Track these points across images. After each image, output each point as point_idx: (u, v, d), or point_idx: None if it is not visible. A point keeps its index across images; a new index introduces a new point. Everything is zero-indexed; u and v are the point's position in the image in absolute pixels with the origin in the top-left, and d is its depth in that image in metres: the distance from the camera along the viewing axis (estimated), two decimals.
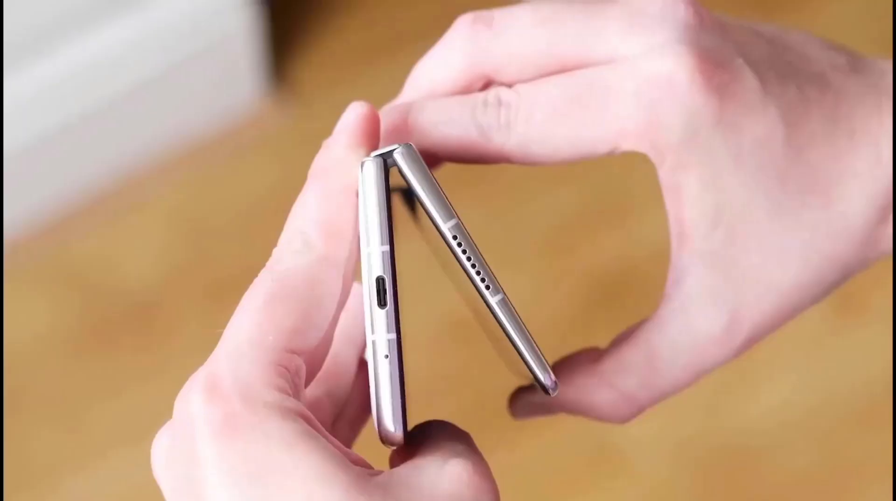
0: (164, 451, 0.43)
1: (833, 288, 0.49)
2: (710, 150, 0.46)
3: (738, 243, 0.48)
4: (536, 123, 0.47)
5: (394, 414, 0.44)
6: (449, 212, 0.45)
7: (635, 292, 1.28)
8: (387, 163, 0.45)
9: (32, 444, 1.22)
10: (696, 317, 0.49)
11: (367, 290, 0.44)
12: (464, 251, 0.45)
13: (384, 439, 0.44)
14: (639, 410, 0.51)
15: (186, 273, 1.29)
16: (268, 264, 0.45)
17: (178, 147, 1.35)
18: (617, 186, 1.30)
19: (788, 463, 1.21)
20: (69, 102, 1.26)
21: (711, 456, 1.22)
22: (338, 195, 0.46)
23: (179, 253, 1.30)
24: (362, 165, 0.45)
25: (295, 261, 0.45)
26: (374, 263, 0.44)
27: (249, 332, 0.42)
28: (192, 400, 0.42)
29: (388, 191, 0.44)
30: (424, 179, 0.45)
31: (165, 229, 1.31)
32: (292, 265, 0.44)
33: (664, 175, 0.48)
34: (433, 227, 0.46)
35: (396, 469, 0.42)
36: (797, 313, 0.49)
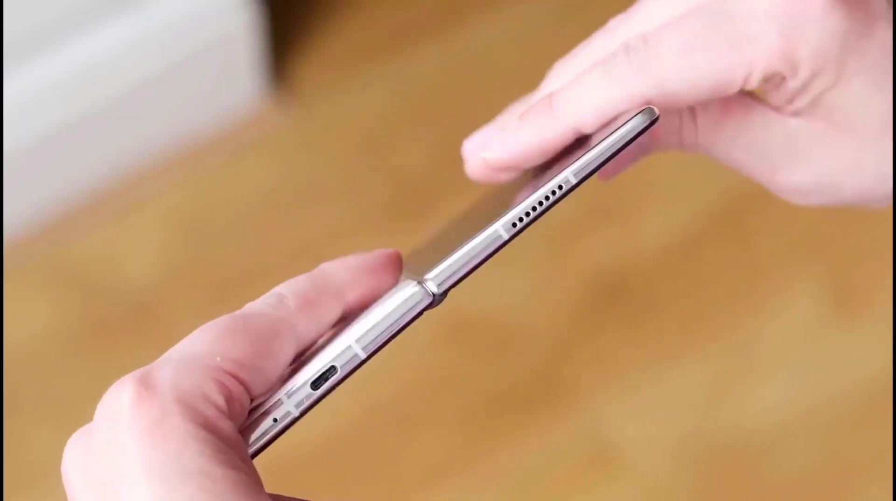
0: (79, 451, 0.43)
1: None
2: (863, 58, 0.49)
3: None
4: (669, 59, 0.48)
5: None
6: (492, 233, 0.44)
7: (635, 292, 1.28)
8: (433, 304, 0.45)
9: (32, 444, 1.22)
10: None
11: (314, 365, 0.43)
12: (528, 215, 0.45)
13: (424, 299, 0.44)
14: None
15: (186, 273, 1.29)
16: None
17: (178, 147, 1.35)
18: (617, 186, 1.30)
19: (788, 463, 1.21)
20: (69, 102, 1.26)
21: (711, 456, 1.22)
22: (328, 290, 0.45)
23: (179, 253, 1.30)
24: (411, 292, 0.45)
25: (263, 310, 0.44)
26: (344, 354, 0.44)
27: (199, 349, 0.42)
28: (123, 397, 0.41)
29: (410, 323, 0.45)
30: (459, 261, 0.44)
31: (165, 229, 1.31)
32: (259, 312, 0.44)
33: (813, 92, 0.49)
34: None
35: None
36: None
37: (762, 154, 0.51)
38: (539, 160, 0.50)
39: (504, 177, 0.52)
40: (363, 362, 0.44)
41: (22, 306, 1.27)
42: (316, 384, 0.43)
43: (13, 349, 1.25)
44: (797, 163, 0.51)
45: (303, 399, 0.43)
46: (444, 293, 0.44)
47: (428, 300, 0.44)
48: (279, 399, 0.43)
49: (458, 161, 0.52)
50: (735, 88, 0.49)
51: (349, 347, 0.44)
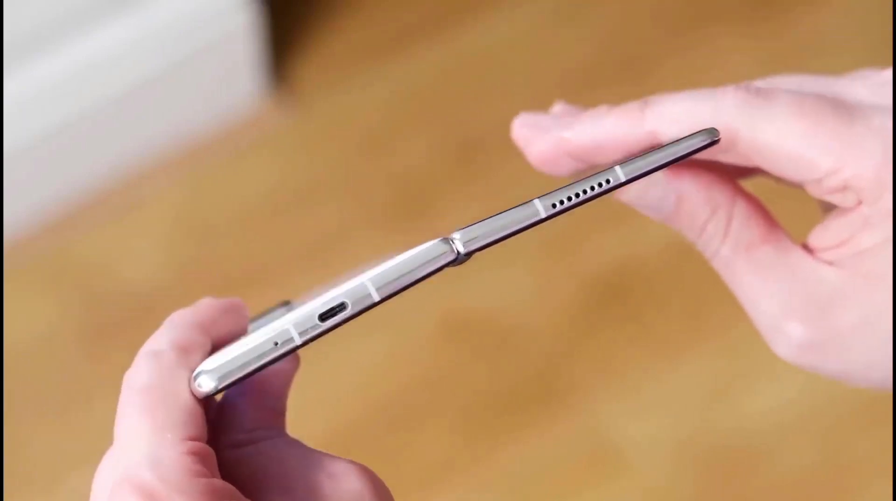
0: None
1: None
2: None
3: None
4: (776, 109, 0.47)
5: (222, 375, 0.43)
6: (528, 205, 0.45)
7: (636, 292, 1.28)
8: (457, 261, 0.44)
9: (32, 444, 1.22)
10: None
11: (326, 297, 0.43)
12: (570, 199, 0.45)
13: (191, 384, 0.43)
14: None
15: (186, 272, 1.29)
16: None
17: (179, 147, 1.35)
18: None
19: (788, 463, 1.21)
20: (69, 102, 1.26)
21: (711, 456, 1.22)
22: (196, 329, 0.46)
23: (179, 252, 1.30)
24: (436, 247, 0.44)
25: (151, 378, 0.44)
26: (357, 290, 0.43)
27: (148, 436, 0.43)
28: None
29: (428, 276, 0.44)
30: (493, 222, 0.44)
31: (165, 229, 1.31)
32: (149, 383, 0.44)
33: (878, 233, 0.47)
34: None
35: None
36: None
37: (778, 296, 0.49)
38: (610, 157, 0.50)
39: (565, 167, 0.51)
40: (374, 304, 0.43)
41: (22, 306, 1.27)
42: (324, 317, 0.43)
43: (13, 348, 1.25)
44: (814, 313, 0.48)
45: (308, 329, 0.43)
46: (469, 254, 0.44)
47: (451, 257, 0.44)
48: (285, 328, 0.43)
49: (458, 161, 0.52)
50: (812, 175, 0.47)
51: (363, 285, 0.43)
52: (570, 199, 0.44)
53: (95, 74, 1.26)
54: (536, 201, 0.44)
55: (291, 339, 0.43)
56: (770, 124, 0.47)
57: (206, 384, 0.43)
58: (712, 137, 0.45)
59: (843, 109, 0.47)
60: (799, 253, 0.49)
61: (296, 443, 0.45)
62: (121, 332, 1.26)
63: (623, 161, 0.45)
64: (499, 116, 1.35)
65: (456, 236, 0.44)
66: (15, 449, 1.22)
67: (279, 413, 0.47)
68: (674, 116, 0.48)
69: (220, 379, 0.43)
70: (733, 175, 0.51)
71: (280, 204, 1.32)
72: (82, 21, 1.23)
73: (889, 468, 1.20)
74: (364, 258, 1.29)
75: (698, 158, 0.48)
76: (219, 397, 0.46)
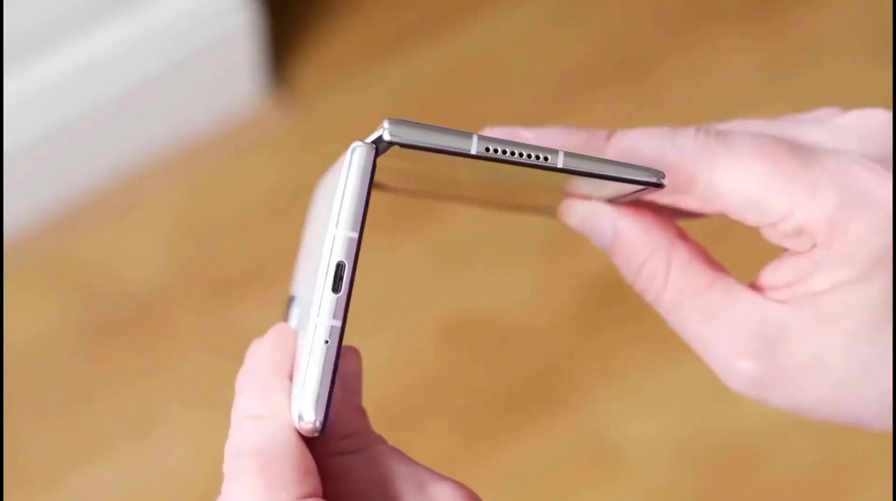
0: None
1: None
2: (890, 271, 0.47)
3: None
4: (735, 152, 0.47)
5: (318, 402, 0.43)
6: (465, 135, 0.44)
7: (636, 291, 1.28)
8: (378, 150, 0.44)
9: (32, 444, 1.22)
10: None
11: (324, 271, 0.43)
12: (503, 152, 0.44)
13: (301, 428, 0.43)
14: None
15: (186, 272, 1.29)
16: (228, 448, 0.45)
17: (179, 147, 1.35)
18: None
19: (788, 463, 1.21)
20: (69, 102, 1.26)
21: (711, 456, 1.22)
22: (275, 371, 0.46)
23: (179, 253, 1.30)
24: (352, 150, 0.44)
25: (250, 441, 0.44)
26: (337, 246, 0.44)
27: (263, 495, 0.42)
28: None
29: (372, 180, 0.44)
30: (427, 128, 0.44)
31: (165, 229, 1.31)
32: (253, 445, 0.44)
33: (831, 278, 0.47)
34: (453, 166, 0.45)
35: None
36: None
37: (727, 332, 0.49)
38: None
39: None
40: (359, 241, 0.44)
41: (22, 306, 1.27)
42: (336, 287, 0.43)
43: (13, 349, 1.25)
44: (763, 350, 0.49)
45: (337, 310, 0.43)
46: (390, 144, 0.43)
47: (371, 149, 0.43)
48: (325, 324, 0.43)
49: None
50: (768, 219, 0.47)
51: (336, 237, 0.44)
52: (503, 152, 0.44)
53: (95, 74, 1.26)
54: (475, 136, 0.44)
55: (333, 328, 0.43)
56: (728, 168, 0.47)
57: (311, 417, 0.43)
58: (657, 179, 0.45)
59: (800, 152, 0.47)
60: (746, 294, 0.49)
61: (399, 455, 0.45)
62: (121, 332, 1.26)
63: (573, 153, 0.45)
64: (499, 116, 1.35)
65: (385, 123, 0.43)
66: (15, 449, 1.22)
67: (364, 413, 0.47)
68: (634, 151, 0.48)
69: (319, 410, 0.43)
70: (680, 216, 0.51)
71: (280, 204, 1.32)
72: (82, 21, 1.23)
73: (889, 468, 1.20)
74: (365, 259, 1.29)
75: (644, 198, 0.48)
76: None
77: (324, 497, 0.44)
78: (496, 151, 0.44)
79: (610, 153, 0.48)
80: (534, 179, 0.47)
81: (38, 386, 1.25)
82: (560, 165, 0.44)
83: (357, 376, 0.48)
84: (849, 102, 1.54)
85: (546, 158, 0.44)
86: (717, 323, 0.49)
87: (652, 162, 0.47)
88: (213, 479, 1.28)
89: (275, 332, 0.46)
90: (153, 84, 1.30)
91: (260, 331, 0.47)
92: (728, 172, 0.47)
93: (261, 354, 0.46)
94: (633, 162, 0.46)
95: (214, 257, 1.30)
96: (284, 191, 1.33)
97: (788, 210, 0.47)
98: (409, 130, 0.43)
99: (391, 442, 0.47)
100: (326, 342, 0.43)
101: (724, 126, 0.50)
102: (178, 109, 1.34)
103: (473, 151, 0.44)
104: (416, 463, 0.44)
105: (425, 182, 0.52)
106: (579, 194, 0.50)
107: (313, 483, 0.43)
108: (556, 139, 0.48)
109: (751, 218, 0.48)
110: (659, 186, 0.45)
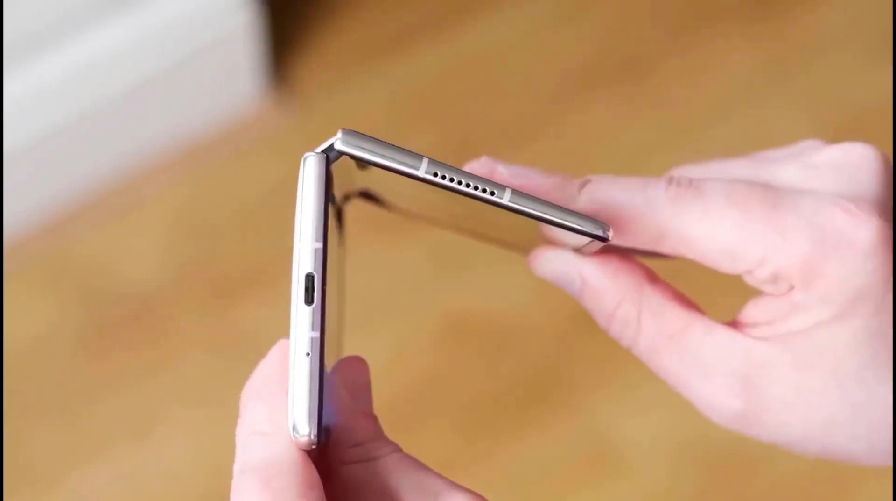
0: None
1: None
2: (875, 310, 0.47)
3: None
4: (704, 206, 0.47)
5: (309, 414, 0.43)
6: (415, 156, 0.44)
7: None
8: (329, 159, 0.44)
9: (32, 444, 1.22)
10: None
11: (295, 285, 0.44)
12: (451, 180, 0.44)
13: (297, 442, 0.43)
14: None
15: (186, 272, 1.29)
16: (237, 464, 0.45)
17: (179, 147, 1.35)
18: None
19: (788, 463, 1.21)
20: (69, 102, 1.26)
21: (711, 456, 1.22)
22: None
23: (179, 253, 1.30)
24: (304, 160, 0.44)
25: (255, 458, 0.44)
26: (304, 259, 0.44)
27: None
28: None
29: (328, 189, 0.44)
30: (379, 144, 0.44)
31: (165, 229, 1.31)
32: (258, 461, 0.44)
33: (808, 318, 0.47)
34: (404, 186, 0.45)
35: None
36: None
37: (707, 372, 0.49)
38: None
39: None
40: (324, 250, 0.44)
41: (22, 306, 1.27)
42: (309, 299, 0.44)
43: (13, 349, 1.25)
44: (745, 387, 0.49)
45: (313, 321, 0.44)
46: (341, 154, 0.44)
47: (322, 158, 0.44)
48: (303, 337, 0.43)
49: (458, 161, 0.52)
50: (742, 267, 0.47)
51: (301, 250, 0.44)
52: (451, 180, 0.44)
53: (95, 74, 1.26)
54: (426, 159, 0.44)
55: (312, 340, 0.43)
56: (698, 219, 0.47)
57: (305, 431, 0.43)
58: (602, 232, 0.45)
59: (772, 197, 0.47)
60: (724, 332, 0.49)
61: (413, 463, 0.45)
62: (121, 332, 1.26)
63: (521, 192, 0.45)
64: (499, 116, 1.35)
65: (339, 133, 0.44)
66: (15, 449, 1.22)
67: (375, 419, 0.47)
68: (606, 201, 0.48)
69: (311, 422, 0.43)
70: (654, 257, 0.51)
71: (280, 204, 1.32)
72: (82, 21, 1.23)
73: (889, 468, 1.20)
74: (365, 260, 1.29)
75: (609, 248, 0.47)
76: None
77: None
78: (444, 177, 0.44)
79: (581, 201, 0.48)
80: (513, 219, 0.47)
81: (38, 386, 1.25)
82: (505, 202, 0.44)
83: (365, 385, 0.49)
84: (849, 101, 1.54)
85: (493, 193, 0.44)
86: (696, 365, 0.49)
87: (623, 214, 0.47)
88: (213, 479, 1.28)
89: (277, 349, 0.46)
90: (153, 84, 1.30)
91: (260, 331, 0.47)
92: (699, 223, 0.47)
93: (264, 371, 0.46)
94: (586, 212, 0.46)
95: (214, 257, 1.30)
96: (284, 191, 1.33)
97: (761, 257, 0.47)
98: (362, 142, 0.44)
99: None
100: (308, 354, 0.43)
101: (698, 172, 0.50)
102: (178, 109, 1.34)
103: (421, 174, 0.44)
104: (431, 471, 0.44)
105: (421, 205, 0.52)
106: (551, 240, 0.50)
107: (317, 496, 0.43)
108: (531, 181, 0.48)
109: (725, 267, 0.48)
110: (604, 239, 0.45)
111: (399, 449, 0.46)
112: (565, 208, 0.45)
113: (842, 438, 0.49)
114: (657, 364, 0.50)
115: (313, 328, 0.43)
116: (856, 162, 0.48)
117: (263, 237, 1.31)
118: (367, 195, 0.52)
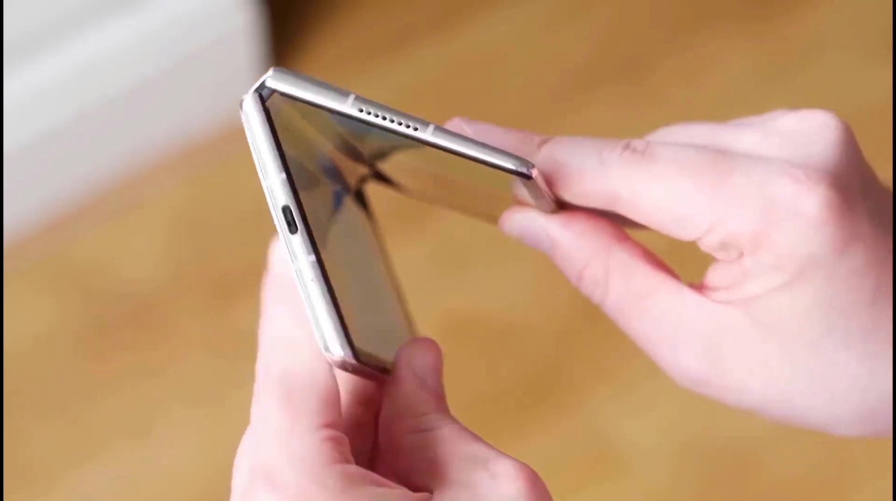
0: None
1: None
2: (829, 276, 0.46)
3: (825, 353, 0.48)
4: (656, 172, 0.47)
5: (337, 335, 0.43)
6: (342, 92, 0.45)
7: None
8: (263, 96, 0.45)
9: (32, 444, 1.22)
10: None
11: (277, 221, 0.44)
12: (376, 115, 0.45)
13: (338, 364, 0.44)
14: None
15: (187, 272, 1.29)
16: (259, 367, 0.45)
17: (179, 147, 1.35)
18: None
19: (788, 463, 1.21)
20: (69, 102, 1.26)
21: (711, 456, 1.22)
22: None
23: (180, 252, 1.30)
24: (241, 104, 0.45)
25: (279, 363, 0.45)
26: (276, 194, 0.45)
27: (283, 423, 0.43)
28: (259, 498, 0.42)
29: (272, 122, 0.45)
30: (308, 81, 0.45)
31: (165, 229, 1.31)
32: (281, 367, 0.45)
33: (761, 284, 0.47)
34: (337, 125, 0.46)
35: (448, 494, 0.43)
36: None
37: (672, 334, 0.49)
38: None
39: None
40: (290, 180, 0.45)
41: (22, 306, 1.27)
42: (293, 229, 0.44)
43: (13, 348, 1.25)
44: (708, 351, 0.49)
45: (306, 246, 0.44)
46: (272, 91, 0.45)
47: (256, 97, 0.45)
48: (299, 275, 0.44)
49: None
50: (693, 234, 0.47)
51: (269, 186, 0.45)
52: (376, 115, 0.44)
53: (95, 74, 1.26)
54: (352, 95, 0.44)
55: (312, 263, 0.44)
56: (649, 184, 0.47)
57: (339, 352, 0.44)
58: (526, 169, 0.45)
59: (723, 164, 0.47)
60: (690, 295, 0.49)
61: (467, 434, 0.46)
62: (121, 332, 1.26)
63: (444, 129, 0.45)
64: (498, 115, 1.35)
65: (270, 71, 0.45)
66: (15, 449, 1.22)
67: (442, 397, 0.49)
68: (560, 160, 0.48)
69: (343, 342, 0.44)
70: (626, 225, 0.51)
71: None
72: (82, 21, 1.23)
73: (889, 468, 1.20)
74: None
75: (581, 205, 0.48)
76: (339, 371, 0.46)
77: (400, 470, 0.45)
78: (369, 113, 0.44)
79: (539, 158, 0.48)
80: (488, 181, 0.47)
81: (38, 386, 1.25)
82: (427, 138, 0.45)
83: (432, 366, 0.50)
84: (849, 101, 1.54)
85: (416, 128, 0.44)
86: (661, 325, 0.49)
87: (576, 174, 0.47)
88: (213, 479, 1.28)
89: (279, 251, 0.47)
90: (153, 84, 1.30)
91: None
92: (649, 189, 0.47)
93: (281, 271, 0.47)
94: (512, 152, 0.46)
95: (214, 257, 1.30)
96: None
97: (710, 225, 0.47)
98: (291, 79, 0.44)
99: None
100: (313, 279, 0.44)
101: (656, 136, 0.50)
102: (178, 109, 1.34)
103: (346, 110, 0.44)
104: (483, 442, 0.46)
105: (425, 182, 0.52)
106: (521, 201, 0.50)
107: (334, 412, 0.44)
108: (492, 137, 0.48)
109: (674, 233, 0.48)
110: (527, 176, 0.45)
111: (458, 422, 0.47)
112: (489, 146, 0.45)
113: (799, 406, 0.49)
114: (625, 324, 0.51)
115: (308, 253, 0.44)
116: (813, 129, 0.48)
117: (263, 237, 1.31)
118: (379, 177, 0.52)
